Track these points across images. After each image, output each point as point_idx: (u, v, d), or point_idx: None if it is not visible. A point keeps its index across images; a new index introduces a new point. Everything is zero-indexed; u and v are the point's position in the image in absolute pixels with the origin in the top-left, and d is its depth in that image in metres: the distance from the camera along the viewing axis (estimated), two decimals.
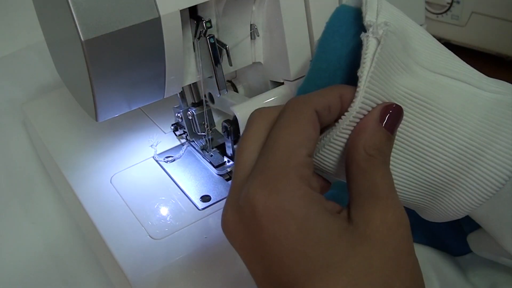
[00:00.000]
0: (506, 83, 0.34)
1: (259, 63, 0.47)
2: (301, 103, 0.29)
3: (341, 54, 0.31)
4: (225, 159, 0.50)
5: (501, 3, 0.68)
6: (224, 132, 0.47)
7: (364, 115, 0.29)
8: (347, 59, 0.31)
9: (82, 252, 0.52)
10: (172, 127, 0.54)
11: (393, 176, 0.30)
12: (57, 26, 0.39)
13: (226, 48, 0.42)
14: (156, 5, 0.35)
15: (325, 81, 0.32)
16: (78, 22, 0.33)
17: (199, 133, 0.51)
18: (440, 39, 0.78)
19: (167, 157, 0.53)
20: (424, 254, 0.44)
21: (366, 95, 0.28)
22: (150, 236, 0.45)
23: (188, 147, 0.54)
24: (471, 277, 0.42)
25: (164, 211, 0.47)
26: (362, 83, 0.28)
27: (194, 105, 0.50)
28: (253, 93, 0.49)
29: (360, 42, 0.29)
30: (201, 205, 0.47)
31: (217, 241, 0.44)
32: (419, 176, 0.32)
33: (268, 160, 0.27)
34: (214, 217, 0.46)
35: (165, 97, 0.42)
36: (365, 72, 0.28)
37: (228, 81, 0.52)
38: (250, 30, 0.44)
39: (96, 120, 0.40)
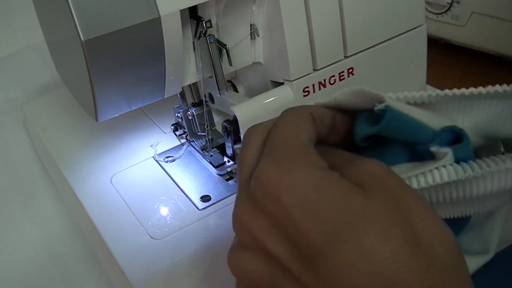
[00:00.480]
0: None
1: (259, 63, 0.47)
2: (297, 108, 0.30)
3: None
4: (225, 159, 0.50)
5: (501, 3, 0.69)
6: (224, 132, 0.47)
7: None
8: None
9: (82, 252, 0.52)
10: (172, 127, 0.54)
11: None
12: (57, 26, 0.39)
13: (226, 48, 0.42)
14: (156, 5, 0.35)
15: None
16: (78, 22, 0.33)
17: (199, 133, 0.51)
18: (440, 39, 0.78)
19: (167, 157, 0.53)
20: None
21: None
22: (150, 236, 0.45)
23: (188, 147, 0.54)
24: None
25: (164, 211, 0.47)
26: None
27: (194, 105, 0.50)
28: (253, 93, 0.49)
29: None
30: (201, 205, 0.47)
31: (217, 241, 0.44)
32: None
33: (272, 147, 0.27)
34: (214, 217, 0.46)
35: (165, 97, 0.42)
36: None
37: (228, 81, 0.52)
38: (250, 30, 0.44)
39: (96, 120, 0.40)
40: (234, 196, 0.36)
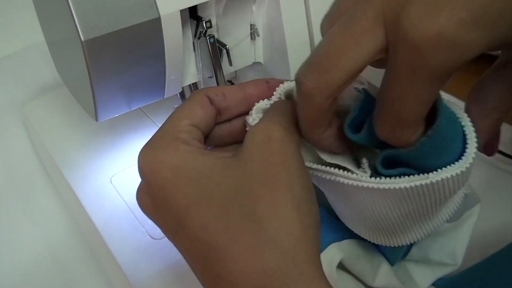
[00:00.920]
0: None
1: (259, 63, 0.47)
2: (195, 91, 0.33)
3: None
4: None
5: None
6: None
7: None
8: None
9: (82, 252, 0.52)
10: None
11: None
12: (57, 26, 0.39)
13: (226, 48, 0.42)
14: (156, 5, 0.35)
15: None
16: (78, 22, 0.33)
17: None
18: None
19: None
20: None
21: None
22: (150, 236, 0.45)
23: None
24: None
25: None
26: None
27: None
28: None
29: None
30: None
31: None
32: None
33: (157, 132, 0.31)
34: None
35: (165, 97, 0.42)
36: None
37: (228, 81, 0.52)
38: (250, 30, 0.44)
39: (96, 120, 0.40)
40: None
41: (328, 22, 0.28)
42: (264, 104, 0.32)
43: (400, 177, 0.29)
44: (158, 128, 0.32)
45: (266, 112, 0.31)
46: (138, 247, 0.44)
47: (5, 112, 0.70)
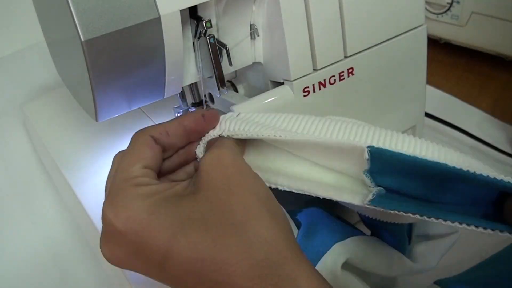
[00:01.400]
0: None
1: (259, 63, 0.47)
2: (138, 133, 0.35)
3: None
4: None
5: (501, 3, 0.69)
6: None
7: None
8: None
9: (82, 252, 0.52)
10: None
11: None
12: (57, 26, 0.39)
13: (226, 48, 0.42)
14: (156, 5, 0.35)
15: None
16: (78, 22, 0.33)
17: None
18: (440, 39, 0.78)
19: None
20: None
21: None
22: None
23: None
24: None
25: None
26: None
27: (194, 105, 0.50)
28: (253, 93, 0.49)
29: None
30: None
31: None
32: None
33: (112, 183, 0.32)
34: None
35: (165, 97, 0.42)
36: None
37: (228, 81, 0.52)
38: (250, 30, 0.44)
39: (96, 120, 0.40)
40: None
41: None
42: (208, 136, 0.36)
43: None
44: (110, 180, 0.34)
45: (212, 144, 0.35)
46: None
47: (5, 112, 0.70)
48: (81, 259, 0.52)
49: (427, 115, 0.61)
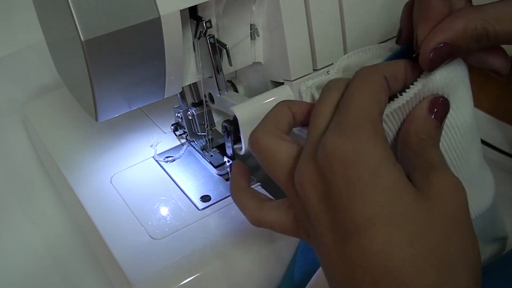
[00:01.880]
0: None
1: (259, 63, 0.47)
2: (370, 71, 0.30)
3: None
4: (225, 159, 0.50)
5: None
6: (224, 132, 0.47)
7: (418, 100, 0.31)
8: None
9: (82, 252, 0.52)
10: (172, 127, 0.54)
11: None
12: (57, 26, 0.39)
13: (226, 48, 0.42)
14: (156, 5, 0.35)
15: None
16: (78, 22, 0.33)
17: (199, 133, 0.51)
18: None
19: (167, 157, 0.53)
20: None
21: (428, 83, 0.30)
22: (150, 236, 0.45)
23: (188, 147, 0.54)
24: None
25: (164, 211, 0.47)
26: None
27: (194, 105, 0.50)
28: (253, 93, 0.49)
29: None
30: (201, 205, 0.47)
31: (217, 241, 0.44)
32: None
33: (343, 116, 0.28)
34: (214, 217, 0.46)
35: (165, 97, 0.42)
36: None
37: (228, 81, 0.52)
38: (250, 30, 0.44)
39: (96, 120, 0.40)
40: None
41: None
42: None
43: None
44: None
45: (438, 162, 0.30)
46: (138, 247, 0.44)
47: (5, 112, 0.70)
48: (81, 259, 0.52)
49: None
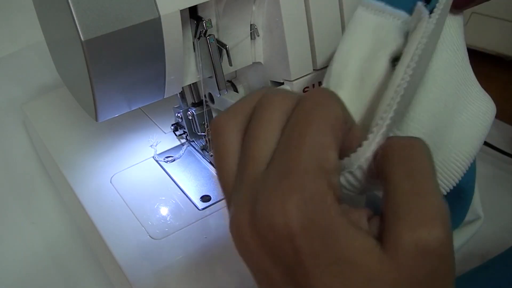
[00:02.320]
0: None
1: (259, 63, 0.47)
2: (327, 97, 0.25)
3: None
4: None
5: (501, 3, 0.68)
6: None
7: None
8: None
9: (82, 252, 0.52)
10: (172, 127, 0.54)
11: None
12: (57, 26, 0.39)
13: (226, 48, 0.42)
14: (156, 5, 0.35)
15: None
16: (78, 22, 0.33)
17: (199, 133, 0.51)
18: None
19: (167, 157, 0.53)
20: None
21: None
22: (150, 236, 0.45)
23: (188, 147, 0.54)
24: None
25: (164, 211, 0.47)
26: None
27: (194, 105, 0.50)
28: None
29: None
30: (201, 205, 0.47)
31: (217, 241, 0.44)
32: None
33: (292, 159, 0.23)
34: (214, 217, 0.46)
35: (165, 97, 0.42)
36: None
37: (228, 81, 0.52)
38: (250, 30, 0.44)
39: (96, 120, 0.40)
40: None
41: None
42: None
43: None
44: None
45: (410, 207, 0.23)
46: (138, 247, 0.44)
47: (5, 112, 0.70)
48: (81, 259, 0.52)
49: None
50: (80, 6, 0.33)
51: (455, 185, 0.31)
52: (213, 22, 0.42)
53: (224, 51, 0.42)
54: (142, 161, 0.54)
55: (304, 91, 0.44)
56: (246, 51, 0.46)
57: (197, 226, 0.45)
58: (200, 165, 0.52)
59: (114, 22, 0.34)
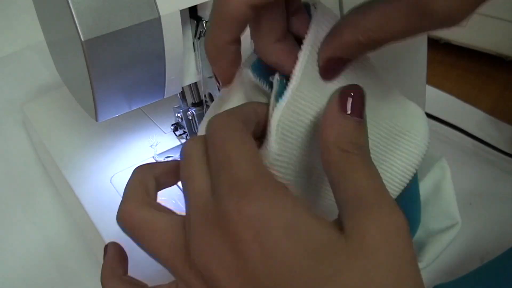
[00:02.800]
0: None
1: None
2: (226, 118, 0.26)
3: None
4: None
5: (501, 3, 0.69)
6: None
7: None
8: None
9: (82, 252, 0.52)
10: (172, 127, 0.54)
11: None
12: (57, 26, 0.39)
13: None
14: (156, 5, 0.35)
15: None
16: (78, 22, 0.33)
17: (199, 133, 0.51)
18: (440, 39, 0.78)
19: (167, 157, 0.53)
20: None
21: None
22: None
23: None
24: None
25: None
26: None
27: (194, 105, 0.50)
28: None
29: None
30: None
31: None
32: None
33: (232, 174, 0.23)
34: None
35: (165, 97, 0.42)
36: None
37: None
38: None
39: (96, 120, 0.40)
40: None
41: None
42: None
43: None
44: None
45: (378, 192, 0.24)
46: (138, 247, 0.44)
47: (5, 112, 0.70)
48: (81, 259, 0.52)
49: (427, 115, 0.61)
50: (80, 6, 0.33)
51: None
52: None
53: None
54: (142, 161, 0.54)
55: None
56: (246, 51, 0.46)
57: None
58: None
59: (114, 22, 0.34)
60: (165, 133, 0.57)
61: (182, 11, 0.37)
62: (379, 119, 0.31)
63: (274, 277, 0.22)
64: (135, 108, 0.42)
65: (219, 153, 0.25)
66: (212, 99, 0.51)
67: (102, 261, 0.49)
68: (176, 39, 0.38)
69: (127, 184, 0.29)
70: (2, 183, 0.61)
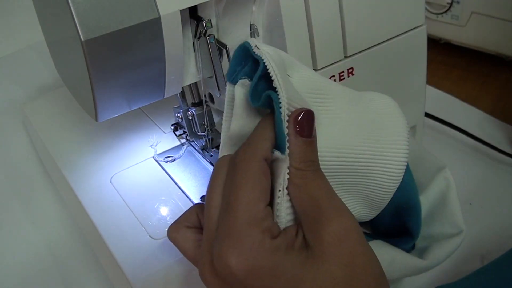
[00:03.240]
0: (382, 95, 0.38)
1: None
2: (248, 156, 0.30)
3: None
4: None
5: (501, 3, 0.69)
6: None
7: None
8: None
9: (82, 252, 0.52)
10: (172, 127, 0.54)
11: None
12: (57, 26, 0.39)
13: (226, 48, 0.42)
14: (156, 5, 0.35)
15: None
16: (78, 22, 0.33)
17: (199, 133, 0.51)
18: (440, 39, 0.78)
19: (167, 157, 0.53)
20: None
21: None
22: (150, 236, 0.45)
23: (188, 147, 0.54)
24: None
25: (164, 211, 0.47)
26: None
27: (194, 105, 0.50)
28: None
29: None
30: None
31: None
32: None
33: (230, 221, 0.28)
34: None
35: (165, 97, 0.42)
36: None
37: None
38: (250, 30, 0.44)
39: (96, 120, 0.40)
40: None
41: None
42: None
43: None
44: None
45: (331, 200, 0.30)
46: (138, 247, 0.44)
47: (5, 112, 0.70)
48: (81, 259, 0.52)
49: (427, 115, 0.61)
50: (80, 6, 0.33)
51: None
52: (213, 22, 0.42)
53: (224, 51, 0.42)
54: (142, 161, 0.54)
55: None
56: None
57: None
58: (200, 165, 0.52)
59: (114, 22, 0.34)
60: (165, 133, 0.57)
61: (182, 11, 0.37)
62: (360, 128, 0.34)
63: None
64: (135, 108, 0.42)
65: (229, 195, 0.29)
66: (212, 99, 0.51)
67: (102, 261, 0.49)
68: (176, 39, 0.38)
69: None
70: (2, 183, 0.61)
